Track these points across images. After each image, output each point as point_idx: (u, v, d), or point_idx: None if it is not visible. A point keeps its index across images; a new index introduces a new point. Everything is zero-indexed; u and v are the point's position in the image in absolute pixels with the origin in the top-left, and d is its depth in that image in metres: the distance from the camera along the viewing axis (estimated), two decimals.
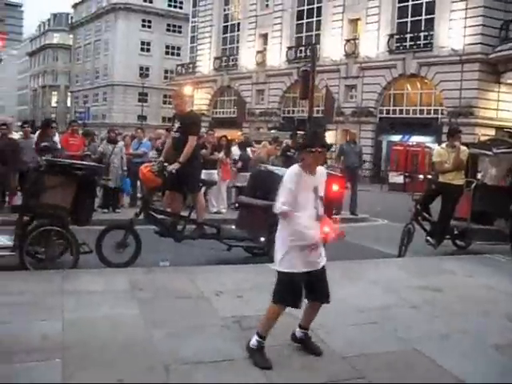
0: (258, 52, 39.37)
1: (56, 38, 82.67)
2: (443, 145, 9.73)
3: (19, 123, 19.83)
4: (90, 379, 3.86)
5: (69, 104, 74.95)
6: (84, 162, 8.60)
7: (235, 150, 13.88)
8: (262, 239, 7.77)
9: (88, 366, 4.07)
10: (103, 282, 6.30)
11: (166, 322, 4.93)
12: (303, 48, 35.60)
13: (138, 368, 4.07)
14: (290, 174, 4.25)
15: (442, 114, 28.89)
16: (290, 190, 4.16)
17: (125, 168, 12.57)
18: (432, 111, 29.90)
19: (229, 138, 14.15)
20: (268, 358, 4.17)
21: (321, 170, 4.36)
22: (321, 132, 4.74)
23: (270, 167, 9.69)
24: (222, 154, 12.72)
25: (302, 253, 4.23)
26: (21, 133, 13.58)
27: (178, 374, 3.99)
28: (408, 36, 30.42)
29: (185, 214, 8.00)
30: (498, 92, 28.45)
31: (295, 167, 4.27)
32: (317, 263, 4.31)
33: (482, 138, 21.96)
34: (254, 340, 4.25)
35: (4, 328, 4.69)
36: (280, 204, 4.19)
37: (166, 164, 7.58)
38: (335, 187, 7.99)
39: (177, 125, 7.84)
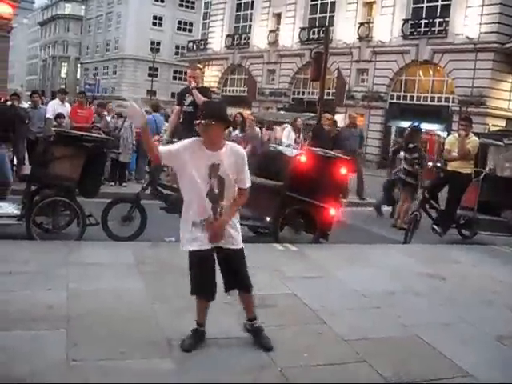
0: (271, 31, 39.01)
1: (68, 9, 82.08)
2: (455, 133, 9.68)
3: (28, 93, 19.81)
4: (94, 350, 3.89)
5: (78, 76, 74.72)
6: (94, 134, 8.57)
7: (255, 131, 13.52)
8: (268, 219, 7.78)
9: (91, 336, 4.10)
10: (108, 254, 6.33)
11: (170, 297, 4.95)
12: (316, 29, 35.25)
13: (140, 341, 4.09)
14: (187, 139, 4.03)
15: (452, 102, 28.68)
16: (179, 147, 3.96)
17: (134, 143, 12.58)
18: (443, 99, 29.66)
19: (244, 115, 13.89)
20: (194, 344, 4.02)
21: (230, 148, 3.99)
22: (214, 103, 4.25)
23: (280, 147, 9.65)
24: (237, 131, 12.49)
25: (197, 230, 3.97)
26: (30, 102, 13.58)
27: (180, 349, 4.01)
28: (423, 22, 30.05)
29: None
30: None
31: (194, 138, 4.02)
32: (219, 240, 3.98)
33: (493, 129, 21.81)
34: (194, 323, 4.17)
35: (9, 296, 4.72)
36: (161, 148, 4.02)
37: (174, 139, 7.55)
38: (342, 170, 7.94)
39: (190, 99, 7.79)
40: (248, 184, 4.07)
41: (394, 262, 7.23)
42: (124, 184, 12.42)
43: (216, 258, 4.04)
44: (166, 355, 3.92)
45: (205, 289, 4.02)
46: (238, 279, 4.08)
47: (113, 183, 12.18)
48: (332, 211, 7.89)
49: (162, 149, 4.00)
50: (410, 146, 10.59)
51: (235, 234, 4.07)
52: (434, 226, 9.29)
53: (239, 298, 4.22)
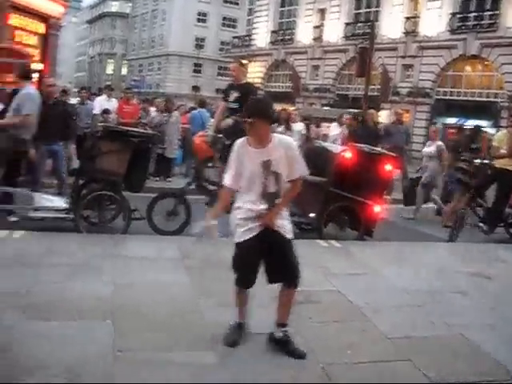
0: (315, 27, 38.79)
1: (114, 7, 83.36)
2: (504, 130, 9.46)
3: (76, 89, 20.25)
4: (139, 341, 3.97)
5: (124, 72, 75.79)
6: (140, 130, 8.70)
7: (298, 126, 13.47)
8: (312, 215, 7.76)
9: (137, 328, 4.18)
10: (153, 248, 6.42)
11: (214, 292, 4.99)
12: (361, 24, 34.86)
13: (184, 334, 4.16)
14: (233, 149, 4.00)
15: (501, 98, 27.99)
16: (232, 165, 3.96)
17: (179, 138, 12.71)
18: (491, 95, 28.99)
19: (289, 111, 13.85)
20: (236, 338, 4.04)
21: (278, 141, 3.93)
22: (259, 100, 4.14)
23: (325, 143, 9.61)
24: (281, 128, 12.45)
25: (247, 223, 3.94)
26: (78, 98, 13.86)
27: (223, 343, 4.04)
28: (472, 15, 29.42)
29: None
30: None
31: (239, 140, 3.99)
32: (269, 224, 3.94)
33: None
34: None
35: (56, 287, 4.85)
36: (225, 179, 4.01)
37: (220, 135, 7.59)
38: (387, 167, 7.85)
39: (234, 95, 7.79)
40: (303, 172, 4.01)
41: (439, 260, 7.12)
42: (169, 179, 12.55)
43: (262, 248, 3.98)
44: (210, 349, 3.96)
45: (244, 276, 3.99)
46: (287, 269, 3.96)
47: (158, 178, 12.33)
48: (376, 208, 7.82)
49: (228, 184, 3.99)
50: (473, 146, 10.51)
51: (286, 223, 4.04)
52: (481, 225, 9.11)
53: (279, 296, 4.08)
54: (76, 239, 6.57)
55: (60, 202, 7.35)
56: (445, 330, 4.76)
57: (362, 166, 7.58)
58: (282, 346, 4.02)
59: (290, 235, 4.04)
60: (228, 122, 7.48)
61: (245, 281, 4.02)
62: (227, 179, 4.00)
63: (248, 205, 3.95)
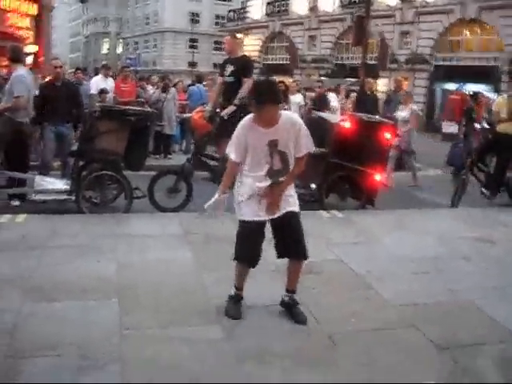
0: None
1: None
2: (504, 94, 9.41)
3: (71, 70, 20.10)
4: (145, 319, 4.00)
5: (119, 51, 75.27)
6: (137, 108, 8.65)
7: (297, 98, 13.41)
8: (313, 186, 7.76)
9: (142, 306, 4.21)
10: (155, 226, 6.43)
11: (217, 267, 5.01)
12: None
13: (190, 310, 4.19)
14: (239, 125, 4.01)
15: (501, 61, 27.71)
16: (237, 141, 3.97)
17: (177, 114, 12.66)
18: (491, 59, 28.71)
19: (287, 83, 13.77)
20: (239, 311, 4.11)
21: (285, 120, 3.92)
22: (265, 84, 3.99)
23: (324, 114, 9.56)
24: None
25: (253, 201, 3.97)
26: (74, 79, 13.76)
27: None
28: None
29: None
30: None
31: (246, 118, 3.99)
32: (276, 211, 3.99)
33: None
34: (232, 289, 4.21)
35: (60, 269, 4.87)
36: (230, 155, 4.01)
37: (217, 110, 7.55)
38: (386, 135, 7.83)
39: (230, 69, 7.73)
40: (309, 148, 4.00)
41: (442, 226, 7.12)
42: (169, 156, 12.55)
43: (271, 225, 4.05)
44: (216, 323, 3.99)
45: (250, 256, 4.03)
46: (297, 244, 4.01)
47: (158, 156, 12.31)
48: (377, 177, 7.81)
49: (234, 158, 3.99)
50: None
51: (291, 198, 4.07)
52: (483, 190, 9.10)
53: (288, 267, 4.16)
54: (78, 220, 6.58)
55: (61, 184, 7.35)
56: (449, 295, 4.77)
57: (361, 134, 7.55)
58: (288, 309, 4.15)
59: (296, 208, 4.06)
60: (231, 109, 7.39)
61: (249, 259, 4.05)
62: (233, 154, 4.00)
63: (253, 182, 3.97)
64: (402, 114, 10.88)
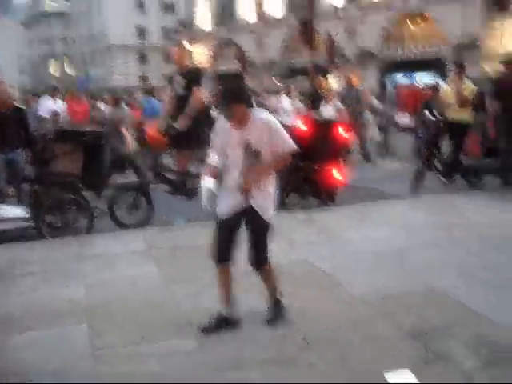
0: (257, 2, 38.63)
1: (48, 6, 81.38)
2: (450, 84, 9.66)
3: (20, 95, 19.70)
4: (117, 337, 3.97)
5: (68, 71, 74.35)
6: (88, 129, 8.56)
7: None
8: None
9: (113, 325, 4.18)
10: (119, 243, 6.39)
11: (185, 279, 5.00)
12: None
13: (161, 324, 4.17)
14: (215, 126, 4.10)
15: (445, 51, 28.36)
16: (215, 144, 4.08)
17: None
18: (435, 49, 29.35)
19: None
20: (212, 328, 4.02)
21: (256, 119, 3.95)
22: (233, 86, 4.05)
23: (278, 117, 9.59)
24: None
25: (228, 197, 4.01)
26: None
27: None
28: None
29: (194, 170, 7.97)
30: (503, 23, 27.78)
31: (218, 120, 4.09)
32: (246, 202, 3.98)
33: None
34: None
35: (27, 297, 4.82)
36: (210, 158, 4.11)
37: (173, 123, 7.52)
38: (340, 132, 7.95)
39: (182, 82, 7.68)
40: (288, 147, 4.00)
41: (402, 216, 7.24)
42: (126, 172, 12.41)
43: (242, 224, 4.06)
44: (188, 335, 3.98)
45: (218, 250, 4.01)
46: (252, 251, 4.05)
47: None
48: (335, 174, 7.90)
49: (214, 160, 4.08)
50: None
51: (267, 204, 4.04)
52: (439, 176, 9.30)
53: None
54: (41, 246, 6.49)
55: (20, 211, 7.22)
56: (416, 284, 4.82)
57: (315, 134, 7.65)
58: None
59: (266, 216, 4.03)
60: (184, 119, 7.39)
61: (218, 253, 4.01)
62: (212, 158, 4.08)
63: (230, 181, 4.01)
64: (325, 111, 10.96)
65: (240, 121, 3.91)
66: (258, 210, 4.00)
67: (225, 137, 4.00)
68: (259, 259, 4.08)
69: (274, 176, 4.13)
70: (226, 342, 3.86)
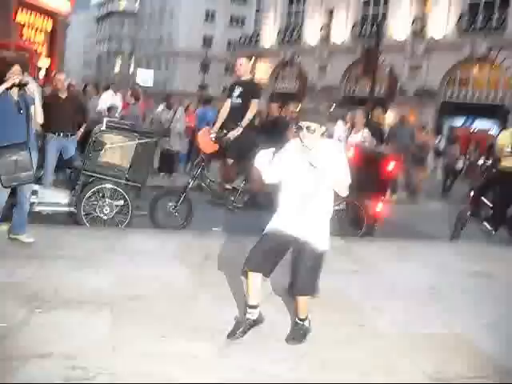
0: (323, 27, 38.78)
1: (121, 5, 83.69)
2: (510, 128, 9.47)
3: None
4: (136, 333, 3.99)
5: (132, 69, 76.00)
6: (143, 126, 8.74)
7: None
8: None
9: (135, 320, 4.21)
10: (154, 242, 6.45)
11: (214, 286, 5.01)
12: (369, 25, 34.90)
13: (182, 327, 4.18)
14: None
15: (509, 100, 27.85)
16: (280, 164, 4.10)
17: (185, 135, 12.81)
18: (499, 97, 28.87)
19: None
20: (238, 333, 4.05)
21: (328, 148, 4.03)
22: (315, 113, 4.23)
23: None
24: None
25: (283, 217, 4.06)
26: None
27: (222, 336, 4.06)
28: (479, 17, 29.31)
29: (238, 183, 8.00)
30: None
31: (291, 142, 4.18)
32: (298, 234, 4.00)
33: None
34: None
35: (57, 279, 4.90)
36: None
37: (225, 131, 7.58)
38: (389, 167, 7.92)
39: (238, 90, 7.76)
40: (348, 180, 4.07)
41: (440, 258, 7.09)
42: (173, 175, 12.59)
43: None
44: (208, 340, 3.98)
45: (256, 259, 4.00)
46: (297, 279, 4.00)
47: (162, 174, 12.37)
48: (378, 207, 7.84)
49: (272, 175, 4.15)
50: None
51: (319, 235, 4.04)
52: (485, 224, 9.09)
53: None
54: (78, 233, 6.61)
55: (63, 197, 7.38)
56: (443, 327, 4.75)
57: (363, 165, 7.60)
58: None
59: (318, 246, 4.02)
60: (238, 131, 7.48)
61: (253, 262, 4.01)
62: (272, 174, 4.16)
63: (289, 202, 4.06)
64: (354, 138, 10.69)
65: (312, 146, 3.95)
66: (310, 242, 3.99)
67: (293, 158, 4.02)
68: (306, 288, 4.05)
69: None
70: (242, 353, 3.85)
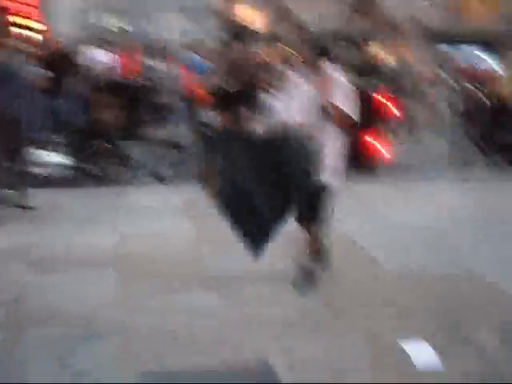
0: None
1: None
2: None
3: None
4: (142, 287, 4.01)
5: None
6: (132, 80, 8.55)
7: None
8: None
9: (140, 275, 4.22)
10: (156, 198, 6.45)
11: (217, 239, 4.98)
12: None
13: (187, 278, 4.19)
14: None
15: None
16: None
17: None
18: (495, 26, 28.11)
19: None
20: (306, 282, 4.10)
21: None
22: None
23: None
24: None
25: None
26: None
27: (227, 286, 4.06)
28: None
29: None
30: None
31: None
32: None
33: None
34: None
35: (61, 241, 4.93)
36: None
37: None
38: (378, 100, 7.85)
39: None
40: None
41: (446, 197, 6.93)
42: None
43: None
44: (213, 291, 3.98)
45: None
46: (305, 210, 4.09)
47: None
48: (376, 146, 7.71)
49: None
50: None
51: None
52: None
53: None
54: (80, 194, 6.59)
55: (62, 158, 7.33)
56: (454, 265, 4.62)
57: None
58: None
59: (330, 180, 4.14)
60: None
61: None
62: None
63: None
64: None
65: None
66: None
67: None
68: (313, 217, 4.12)
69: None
70: (249, 302, 3.85)
